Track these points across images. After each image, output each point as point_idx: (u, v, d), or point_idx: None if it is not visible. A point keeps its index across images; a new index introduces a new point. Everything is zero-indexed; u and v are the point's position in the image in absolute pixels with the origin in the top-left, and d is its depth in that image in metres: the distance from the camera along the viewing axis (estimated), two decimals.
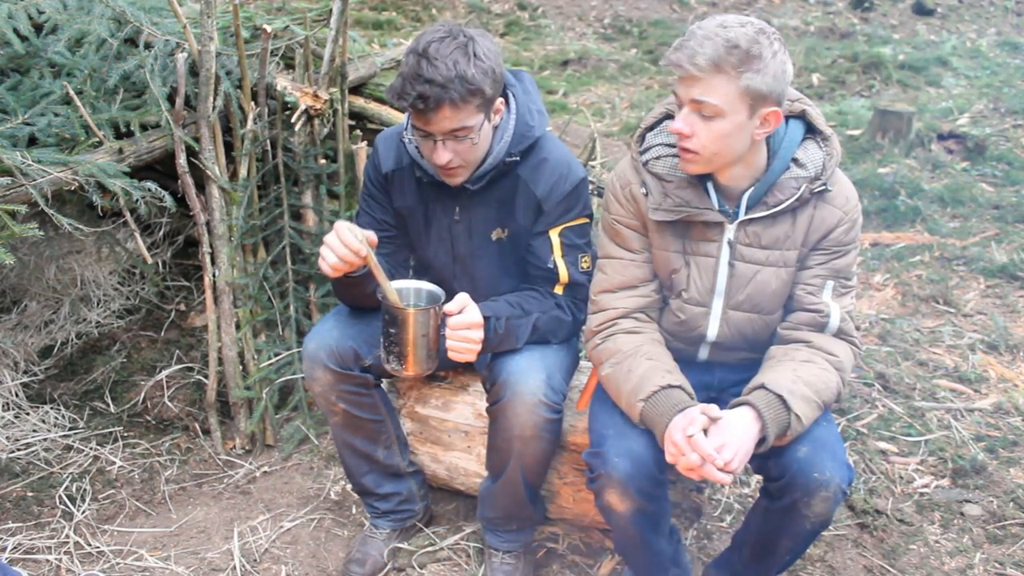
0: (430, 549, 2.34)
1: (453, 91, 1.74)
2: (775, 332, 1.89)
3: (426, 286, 1.95)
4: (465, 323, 1.85)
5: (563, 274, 2.03)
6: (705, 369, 1.99)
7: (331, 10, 2.78)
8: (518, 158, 1.96)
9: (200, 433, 2.82)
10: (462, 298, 1.87)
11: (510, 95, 1.98)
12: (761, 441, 1.65)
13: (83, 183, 2.34)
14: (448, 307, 1.85)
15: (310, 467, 2.69)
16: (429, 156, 1.89)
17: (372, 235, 1.85)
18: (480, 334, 1.87)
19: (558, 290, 2.05)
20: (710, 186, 1.80)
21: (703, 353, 1.98)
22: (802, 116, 1.80)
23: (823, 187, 1.76)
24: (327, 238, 1.83)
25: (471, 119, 1.82)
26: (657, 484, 1.80)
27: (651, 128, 1.89)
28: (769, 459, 1.74)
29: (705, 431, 1.64)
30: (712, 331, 1.91)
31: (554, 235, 2.01)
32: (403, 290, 1.91)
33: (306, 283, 2.92)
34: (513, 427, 1.94)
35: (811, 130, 1.81)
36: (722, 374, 1.99)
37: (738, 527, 2.01)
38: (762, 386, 1.70)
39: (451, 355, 1.89)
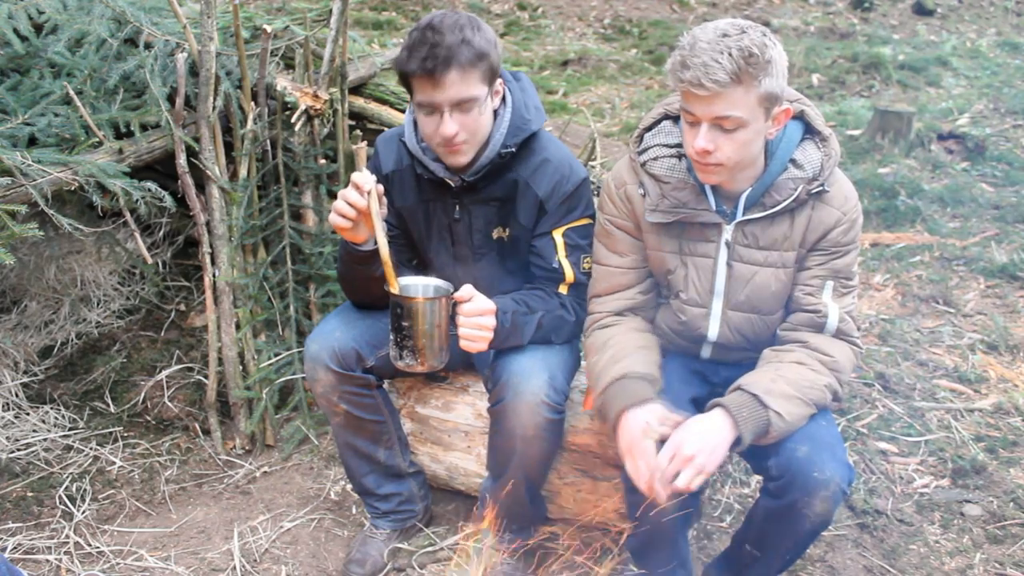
0: (430, 549, 2.34)
1: (461, 55, 1.79)
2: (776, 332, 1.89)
3: (433, 281, 1.95)
4: (477, 310, 1.86)
5: (568, 274, 2.03)
6: (709, 367, 1.99)
7: (331, 10, 2.78)
8: (513, 149, 1.96)
9: (200, 433, 2.82)
10: (468, 287, 1.88)
11: (506, 90, 2.00)
12: (737, 442, 1.65)
13: (83, 183, 2.34)
14: (458, 295, 1.85)
15: (310, 467, 2.69)
16: (434, 131, 1.88)
17: (380, 187, 1.85)
18: (492, 321, 1.87)
19: (563, 290, 2.05)
20: (708, 188, 1.79)
21: (706, 352, 1.98)
22: (800, 117, 1.80)
23: (821, 188, 1.75)
24: (340, 192, 1.85)
25: (477, 88, 1.85)
26: None
27: (649, 129, 1.89)
28: (769, 459, 1.74)
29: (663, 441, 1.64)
30: (713, 331, 1.91)
31: (558, 235, 2.01)
32: (410, 286, 1.90)
33: (306, 283, 2.92)
34: (515, 428, 1.94)
35: (809, 131, 1.81)
36: (726, 373, 1.98)
37: (738, 527, 2.01)
38: (738, 387, 1.70)
39: (463, 343, 1.89)
